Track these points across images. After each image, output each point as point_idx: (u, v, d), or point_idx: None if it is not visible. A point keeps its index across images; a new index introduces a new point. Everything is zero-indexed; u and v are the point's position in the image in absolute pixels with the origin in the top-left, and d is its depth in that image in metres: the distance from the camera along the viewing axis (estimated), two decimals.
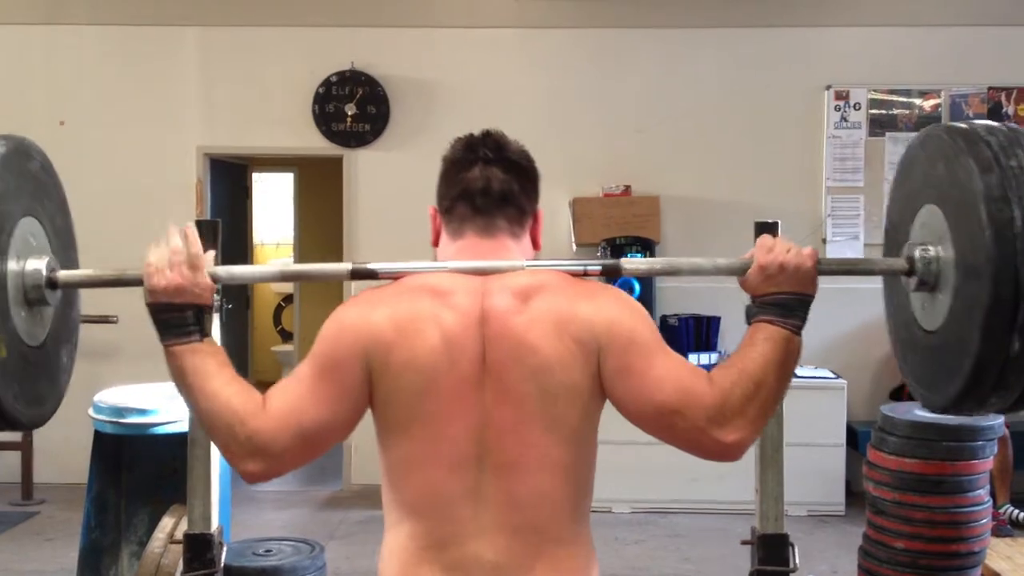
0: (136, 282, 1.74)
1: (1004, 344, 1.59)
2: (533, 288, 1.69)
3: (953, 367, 1.68)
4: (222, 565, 2.17)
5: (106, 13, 6.66)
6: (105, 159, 6.54)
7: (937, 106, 6.50)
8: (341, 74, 6.57)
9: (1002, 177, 1.60)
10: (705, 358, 6.19)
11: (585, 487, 1.73)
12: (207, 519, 2.17)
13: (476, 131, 1.83)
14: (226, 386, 1.65)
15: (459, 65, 6.64)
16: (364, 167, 6.65)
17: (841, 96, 6.53)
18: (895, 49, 6.57)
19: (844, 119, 6.52)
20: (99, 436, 4.25)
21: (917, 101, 6.52)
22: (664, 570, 5.25)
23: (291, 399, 1.64)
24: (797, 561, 2.09)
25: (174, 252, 1.70)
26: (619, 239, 6.36)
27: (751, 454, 1.86)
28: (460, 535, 1.66)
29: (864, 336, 6.39)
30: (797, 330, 1.70)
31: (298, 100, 6.60)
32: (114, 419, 4.17)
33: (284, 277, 1.95)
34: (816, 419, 5.85)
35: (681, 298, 6.41)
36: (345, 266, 1.84)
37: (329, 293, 7.06)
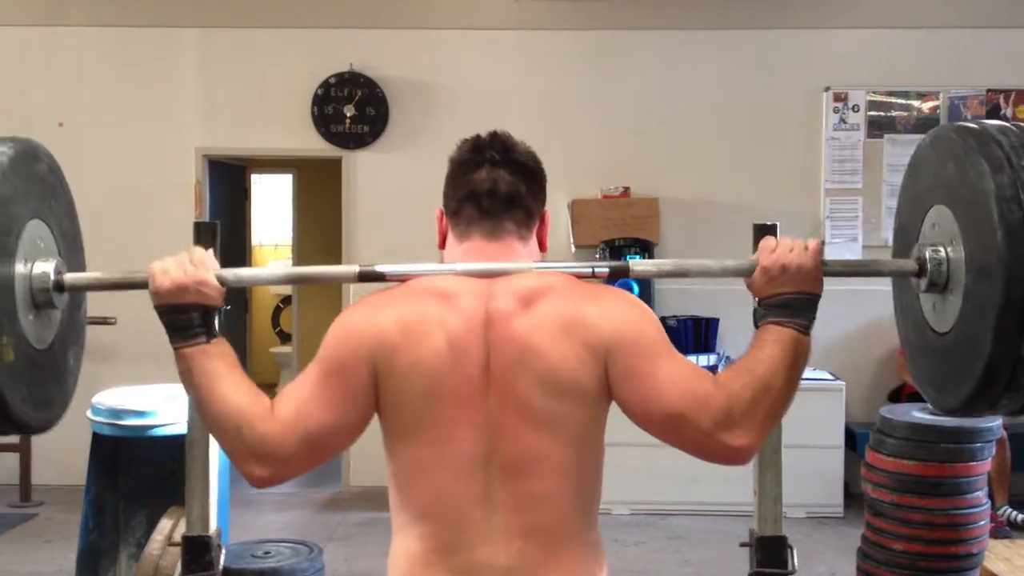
0: (143, 285, 1.73)
1: (1016, 345, 1.58)
2: (539, 291, 1.68)
3: (964, 369, 1.68)
4: (220, 567, 2.16)
5: (105, 14, 6.65)
6: (104, 160, 6.52)
7: (936, 108, 6.51)
8: (340, 75, 6.56)
9: (1014, 177, 1.60)
10: (704, 359, 6.19)
11: (593, 490, 1.73)
12: (205, 521, 2.16)
13: (482, 132, 1.82)
14: (234, 389, 1.64)
15: (458, 66, 6.63)
16: (363, 168, 6.64)
17: (840, 98, 6.53)
18: (894, 51, 6.57)
19: (843, 121, 6.53)
20: (97, 438, 4.25)
21: (916, 103, 6.53)
22: (663, 572, 5.24)
23: (298, 403, 1.63)
24: (796, 563, 2.08)
25: (178, 256, 1.71)
26: (618, 241, 6.37)
27: None
28: (469, 539, 1.65)
29: (863, 338, 6.40)
30: (805, 330, 1.68)
31: (297, 101, 6.59)
32: (112, 421, 4.16)
33: (291, 280, 1.93)
34: (815, 421, 5.84)
35: (680, 299, 6.41)
36: (352, 268, 1.82)
37: (328, 295, 7.06)
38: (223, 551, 2.19)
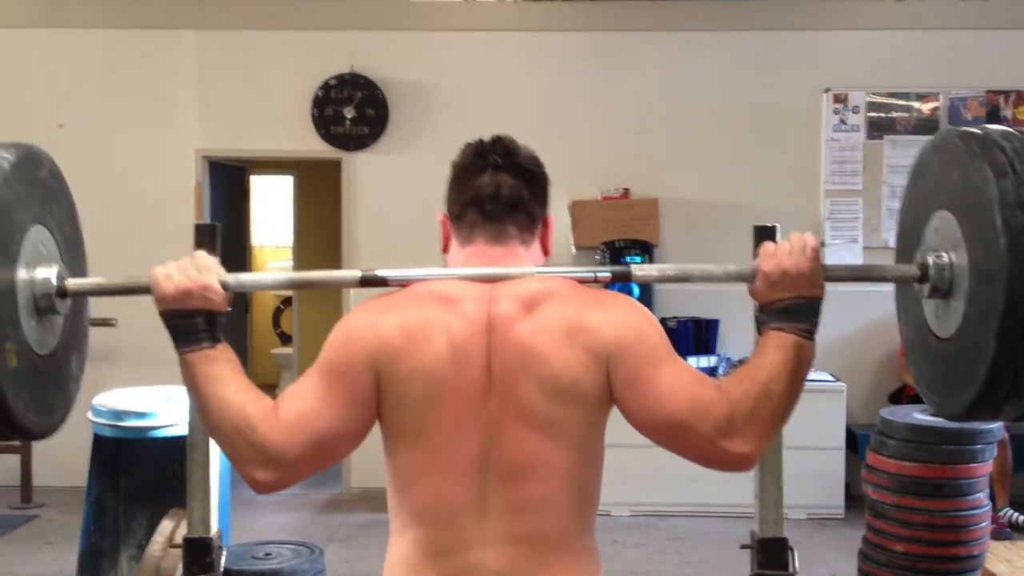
0: (146, 290, 1.72)
1: (1019, 351, 1.58)
2: (541, 295, 1.68)
3: (967, 374, 1.67)
4: (221, 569, 2.16)
5: (105, 16, 6.65)
6: (104, 162, 6.52)
7: (936, 109, 6.51)
8: (340, 77, 6.56)
9: (1017, 183, 1.59)
10: (704, 361, 6.20)
11: (591, 496, 1.73)
12: (206, 523, 2.15)
13: (484, 135, 1.82)
14: (239, 394, 1.63)
15: (458, 68, 6.63)
16: (363, 170, 6.64)
17: (840, 99, 6.54)
18: (893, 52, 6.57)
19: (843, 122, 6.53)
20: (98, 439, 4.25)
21: (916, 104, 6.53)
22: (664, 574, 5.24)
23: (302, 408, 1.62)
24: (797, 565, 2.08)
25: (182, 261, 1.71)
26: (618, 242, 6.36)
27: None
28: (465, 543, 1.65)
29: (864, 339, 6.40)
30: (808, 335, 1.67)
31: (297, 103, 6.59)
32: (113, 422, 4.16)
33: (293, 285, 1.92)
34: (815, 422, 5.84)
35: (680, 301, 6.41)
36: (354, 273, 1.81)
37: (328, 297, 7.05)
38: (224, 553, 2.18)
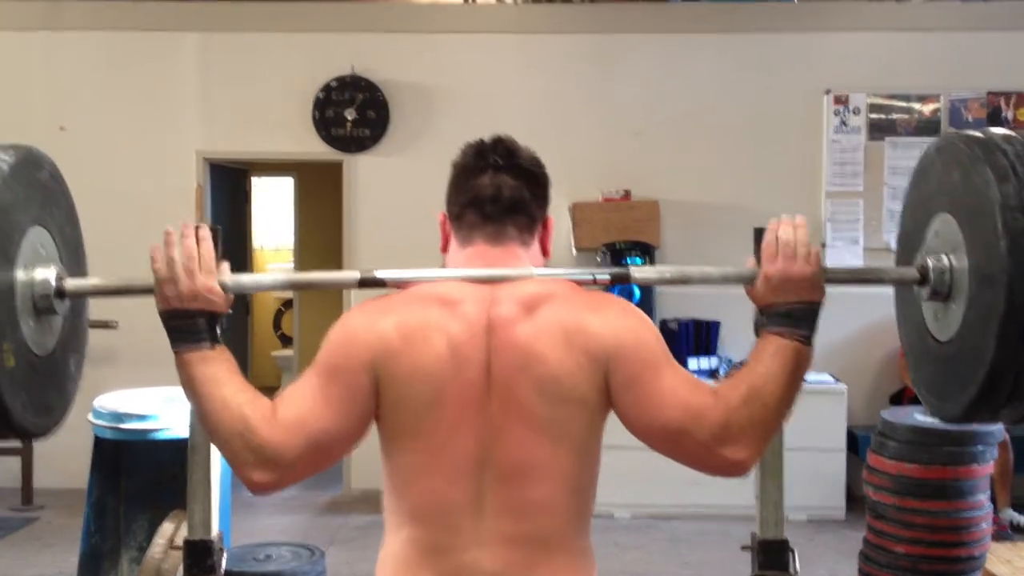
0: (145, 290, 1.72)
1: (1019, 354, 1.58)
2: (541, 297, 1.68)
3: (967, 377, 1.67)
4: (222, 571, 2.16)
5: (105, 18, 6.65)
6: (105, 164, 6.52)
7: (936, 111, 6.51)
8: (341, 79, 6.56)
9: (1019, 186, 1.60)
10: (705, 362, 6.20)
11: (587, 498, 1.72)
12: (207, 525, 2.15)
13: (485, 136, 1.82)
14: (237, 395, 1.63)
15: (459, 70, 6.64)
16: (364, 172, 6.65)
17: (840, 100, 6.54)
18: (894, 54, 6.57)
19: (843, 124, 6.53)
20: (99, 441, 4.24)
21: (916, 106, 6.53)
22: (664, 575, 5.24)
23: (300, 408, 1.62)
24: (797, 566, 2.08)
25: (188, 258, 1.68)
26: (618, 244, 6.36)
27: None
28: (460, 543, 1.65)
29: (864, 340, 6.40)
30: (806, 340, 1.68)
31: (298, 105, 6.60)
32: (113, 424, 4.16)
33: (292, 286, 1.92)
34: (816, 424, 5.83)
35: (681, 302, 6.41)
36: (353, 274, 1.81)
37: (329, 298, 7.04)
38: (224, 554, 2.18)
